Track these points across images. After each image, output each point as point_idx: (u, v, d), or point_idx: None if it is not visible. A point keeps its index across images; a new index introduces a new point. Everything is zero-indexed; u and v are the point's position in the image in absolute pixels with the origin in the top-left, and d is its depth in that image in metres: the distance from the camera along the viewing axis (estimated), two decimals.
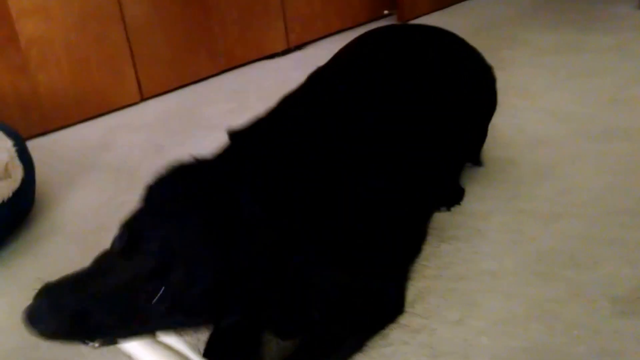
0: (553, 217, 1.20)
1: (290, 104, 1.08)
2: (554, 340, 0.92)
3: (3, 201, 1.17)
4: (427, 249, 1.15)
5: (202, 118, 1.87)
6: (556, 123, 1.54)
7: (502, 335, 0.94)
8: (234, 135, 0.98)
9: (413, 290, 1.06)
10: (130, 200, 1.38)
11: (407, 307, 1.02)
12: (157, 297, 0.74)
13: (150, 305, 0.74)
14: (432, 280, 1.08)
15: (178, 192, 0.83)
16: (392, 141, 1.04)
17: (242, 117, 1.82)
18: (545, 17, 2.34)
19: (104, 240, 1.22)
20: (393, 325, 0.99)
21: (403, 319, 1.00)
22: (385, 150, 1.03)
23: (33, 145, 1.46)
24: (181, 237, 0.77)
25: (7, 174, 1.20)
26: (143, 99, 2.05)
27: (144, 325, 0.77)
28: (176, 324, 0.80)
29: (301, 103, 1.09)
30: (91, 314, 0.72)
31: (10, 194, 1.18)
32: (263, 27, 2.27)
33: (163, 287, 0.74)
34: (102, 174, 1.57)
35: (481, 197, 1.29)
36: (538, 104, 1.66)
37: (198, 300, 0.76)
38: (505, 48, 2.03)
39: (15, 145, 1.28)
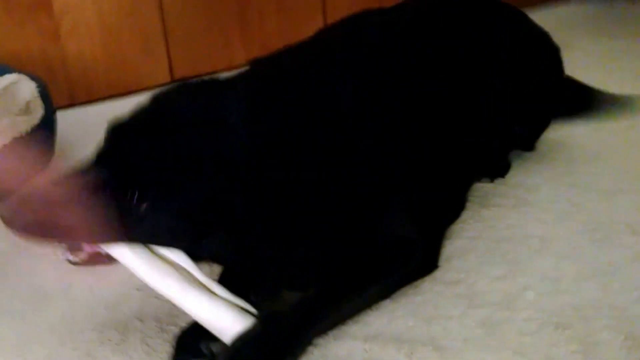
0: (609, 192, 1.10)
1: (325, 38, 1.02)
2: (609, 298, 0.82)
3: (21, 135, 1.11)
4: (466, 214, 1.06)
5: None
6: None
7: (550, 292, 0.84)
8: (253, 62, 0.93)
9: (450, 248, 0.96)
10: None
11: (443, 263, 0.92)
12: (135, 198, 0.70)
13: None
14: (471, 240, 0.98)
15: (170, 105, 0.81)
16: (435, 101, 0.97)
17: None
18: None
19: None
20: (425, 278, 0.89)
21: (437, 273, 0.90)
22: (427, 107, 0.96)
23: (58, 117, 1.41)
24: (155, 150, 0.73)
25: (28, 111, 1.16)
26: (174, 80, 2.01)
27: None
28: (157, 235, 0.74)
29: (339, 41, 1.02)
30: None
31: (29, 129, 1.13)
32: (301, 21, 2.23)
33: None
34: None
35: (529, 171, 1.20)
36: None
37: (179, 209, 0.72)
38: None
39: (38, 86, 1.24)
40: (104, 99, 1.89)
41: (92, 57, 1.84)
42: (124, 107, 1.80)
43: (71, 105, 1.83)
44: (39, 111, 1.18)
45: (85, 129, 1.67)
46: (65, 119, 1.66)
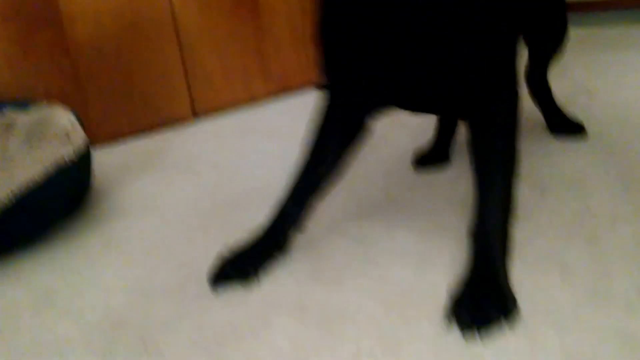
0: None
1: None
2: None
3: (66, 163, 1.07)
4: None
5: (262, 130, 1.78)
6: None
7: None
8: None
9: None
10: (189, 188, 1.28)
11: None
12: None
13: None
14: None
15: None
16: None
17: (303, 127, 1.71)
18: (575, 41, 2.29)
19: (169, 216, 1.13)
20: None
21: None
22: None
23: None
24: None
25: (69, 139, 1.11)
26: (195, 115, 1.98)
27: None
28: None
29: None
30: None
31: (74, 157, 1.08)
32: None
33: None
34: (157, 170, 1.48)
35: None
36: None
37: None
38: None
39: (73, 115, 1.20)
40: (126, 137, 1.85)
41: (113, 97, 1.81)
42: (146, 145, 1.79)
43: (91, 144, 1.79)
44: (80, 139, 1.14)
45: (111, 159, 1.64)
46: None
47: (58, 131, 1.10)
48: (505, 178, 0.84)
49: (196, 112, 1.98)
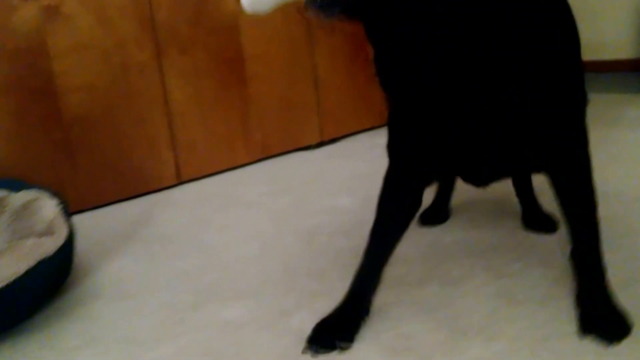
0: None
1: None
2: None
3: (47, 257, 1.12)
4: None
5: (241, 198, 1.85)
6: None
7: None
8: None
9: None
10: (172, 268, 1.34)
11: None
12: None
13: None
14: None
15: None
16: None
17: (281, 198, 1.81)
18: None
19: (146, 305, 1.18)
20: None
21: None
22: None
23: None
24: None
25: (51, 230, 1.18)
26: (180, 181, 2.05)
27: None
28: None
29: None
30: None
31: (55, 251, 1.14)
32: (299, 121, 2.31)
33: None
34: (140, 245, 1.54)
35: None
36: None
37: None
38: None
39: (59, 204, 1.26)
40: (113, 202, 1.92)
41: (102, 164, 1.88)
42: (131, 211, 1.85)
43: (80, 211, 1.85)
44: (63, 230, 1.20)
45: (96, 229, 1.70)
46: (74, 222, 1.69)
47: (41, 223, 1.16)
48: (593, 211, 0.98)
49: (181, 177, 2.05)
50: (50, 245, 1.14)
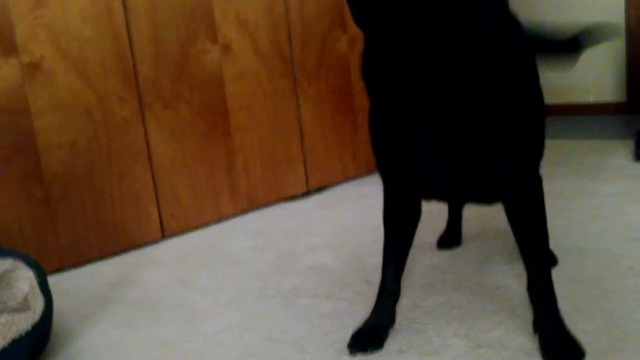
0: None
1: None
2: None
3: (21, 335, 1.11)
4: None
5: (226, 254, 1.84)
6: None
7: None
8: None
9: None
10: (152, 336, 1.32)
11: None
12: None
13: None
14: None
15: None
16: None
17: (266, 254, 1.80)
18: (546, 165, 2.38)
19: None
20: None
21: None
22: None
23: (49, 281, 1.43)
24: None
25: (26, 305, 1.16)
26: (164, 236, 2.04)
27: None
28: None
29: None
30: None
31: (30, 328, 1.13)
32: (285, 171, 2.32)
33: None
34: (121, 309, 1.52)
35: None
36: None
37: None
38: None
39: (36, 276, 1.24)
40: (95, 260, 1.90)
41: (84, 221, 1.87)
42: (114, 269, 1.83)
43: (61, 269, 1.84)
44: (39, 305, 1.18)
45: (77, 290, 1.68)
46: (55, 282, 1.68)
47: (16, 298, 1.15)
48: (544, 245, 1.12)
49: (165, 232, 2.04)
50: (24, 323, 1.12)
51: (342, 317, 1.33)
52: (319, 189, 2.42)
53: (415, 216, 1.20)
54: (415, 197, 1.18)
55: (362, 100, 2.51)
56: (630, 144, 2.49)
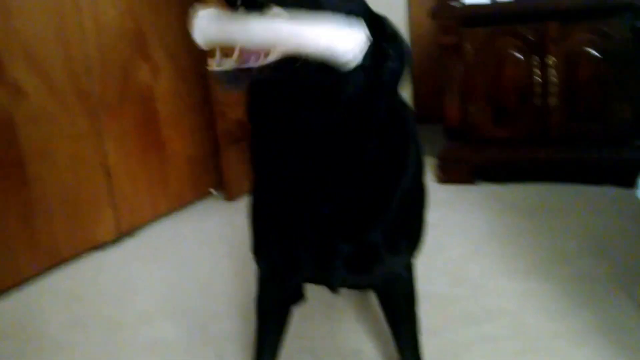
0: None
1: None
2: None
3: None
4: None
5: (35, 336, 1.58)
6: None
7: None
8: None
9: None
10: None
11: None
12: None
13: None
14: None
15: None
16: None
17: (87, 330, 1.56)
18: None
19: None
20: None
21: None
22: None
23: None
24: None
25: None
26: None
27: None
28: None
29: None
30: None
31: None
32: (91, 216, 2.09)
33: None
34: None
35: None
36: None
37: None
38: None
39: None
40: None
41: None
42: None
43: None
44: None
45: None
46: None
47: None
48: (418, 330, 1.16)
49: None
50: None
51: None
52: (131, 232, 2.23)
53: (294, 301, 1.19)
54: (295, 282, 1.15)
55: (169, 131, 2.37)
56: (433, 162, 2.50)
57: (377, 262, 1.01)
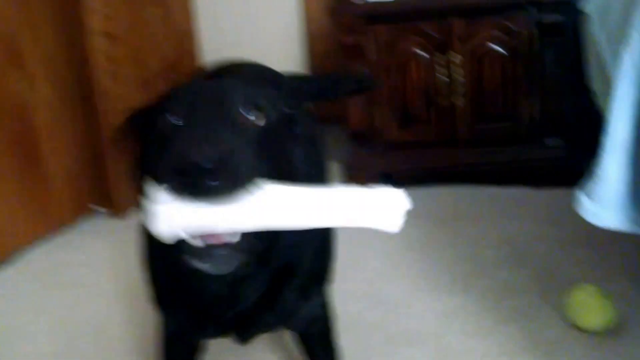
0: None
1: None
2: None
3: None
4: None
5: None
6: None
7: None
8: None
9: None
10: None
11: None
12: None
13: None
14: None
15: None
16: None
17: None
18: None
19: None
20: None
21: None
22: None
23: None
24: None
25: None
26: None
27: None
28: None
29: None
30: None
31: None
32: None
33: None
34: None
35: None
36: None
37: None
38: None
39: None
40: None
41: None
42: None
43: None
44: None
45: None
46: None
47: None
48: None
49: None
50: None
51: None
52: (7, 260, 1.95)
53: (199, 352, 1.06)
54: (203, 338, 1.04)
55: (48, 145, 2.10)
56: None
57: (293, 315, 0.95)
